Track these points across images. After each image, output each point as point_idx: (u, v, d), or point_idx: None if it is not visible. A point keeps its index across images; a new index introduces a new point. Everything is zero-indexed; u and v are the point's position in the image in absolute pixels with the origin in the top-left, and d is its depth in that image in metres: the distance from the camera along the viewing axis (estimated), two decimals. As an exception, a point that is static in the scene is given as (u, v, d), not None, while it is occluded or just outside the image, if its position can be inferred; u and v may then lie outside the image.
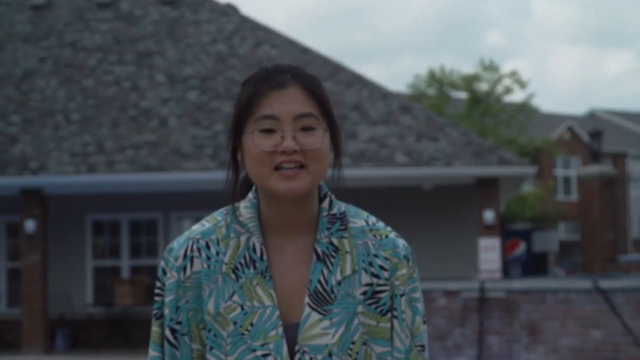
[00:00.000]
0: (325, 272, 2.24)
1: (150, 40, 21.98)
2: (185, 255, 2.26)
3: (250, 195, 2.30)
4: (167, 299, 2.27)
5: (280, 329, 2.20)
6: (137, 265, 20.57)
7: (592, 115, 53.90)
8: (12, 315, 19.67)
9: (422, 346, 2.33)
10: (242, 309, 2.21)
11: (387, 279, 2.27)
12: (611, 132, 48.10)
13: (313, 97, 2.22)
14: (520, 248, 23.71)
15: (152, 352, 2.31)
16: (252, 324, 2.20)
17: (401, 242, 2.32)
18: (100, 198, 20.15)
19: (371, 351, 2.26)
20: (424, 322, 2.34)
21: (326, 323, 2.21)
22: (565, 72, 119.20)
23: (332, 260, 2.25)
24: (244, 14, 23.20)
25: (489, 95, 37.69)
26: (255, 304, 2.21)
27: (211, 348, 2.23)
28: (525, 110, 38.28)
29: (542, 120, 44.40)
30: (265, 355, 2.19)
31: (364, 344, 2.25)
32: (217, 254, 2.25)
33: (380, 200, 19.11)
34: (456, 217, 19.83)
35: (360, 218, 2.32)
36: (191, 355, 2.27)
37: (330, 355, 2.20)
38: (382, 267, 2.27)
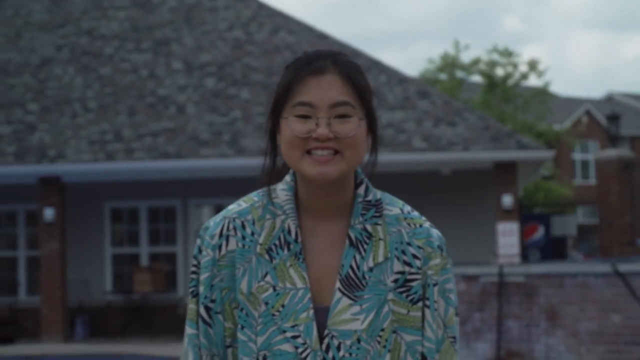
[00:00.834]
0: (358, 257, 2.24)
1: (168, 27, 21.98)
2: (221, 234, 2.28)
3: (287, 177, 2.31)
4: (202, 277, 2.29)
5: (311, 312, 2.21)
6: (156, 252, 20.62)
7: (609, 99, 53.63)
8: (32, 304, 19.73)
9: (454, 337, 2.32)
10: (274, 289, 2.22)
11: (419, 268, 2.27)
12: (629, 116, 47.91)
13: (351, 84, 2.22)
14: (539, 232, 23.64)
15: (189, 330, 2.32)
16: (283, 305, 2.21)
17: (435, 232, 2.33)
18: (119, 186, 20.17)
19: (401, 340, 2.26)
20: (457, 314, 2.34)
21: (356, 309, 2.21)
22: (582, 56, 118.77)
23: (365, 246, 2.25)
24: (261, 0, 23.15)
25: (505, 79, 37.45)
26: (288, 285, 2.22)
27: (242, 327, 2.24)
28: (542, 96, 38.04)
29: (559, 104, 44.24)
30: (295, 337, 2.20)
31: (394, 332, 2.25)
32: (252, 234, 2.27)
33: (398, 185, 19.00)
34: (474, 201, 19.79)
35: (395, 206, 2.33)
36: (224, 334, 2.28)
37: (359, 341, 2.20)
38: (414, 256, 2.27)
